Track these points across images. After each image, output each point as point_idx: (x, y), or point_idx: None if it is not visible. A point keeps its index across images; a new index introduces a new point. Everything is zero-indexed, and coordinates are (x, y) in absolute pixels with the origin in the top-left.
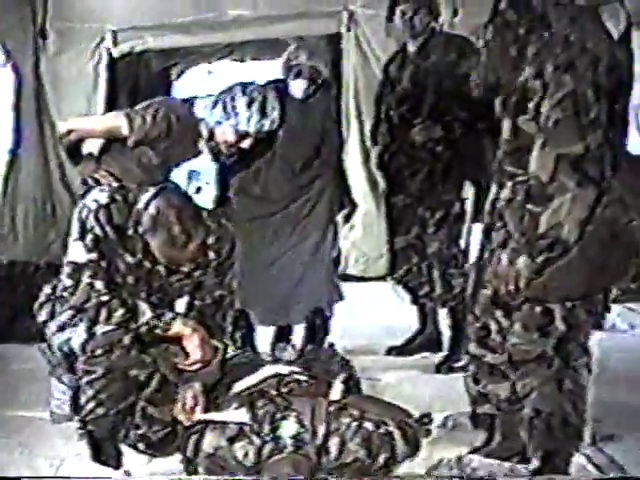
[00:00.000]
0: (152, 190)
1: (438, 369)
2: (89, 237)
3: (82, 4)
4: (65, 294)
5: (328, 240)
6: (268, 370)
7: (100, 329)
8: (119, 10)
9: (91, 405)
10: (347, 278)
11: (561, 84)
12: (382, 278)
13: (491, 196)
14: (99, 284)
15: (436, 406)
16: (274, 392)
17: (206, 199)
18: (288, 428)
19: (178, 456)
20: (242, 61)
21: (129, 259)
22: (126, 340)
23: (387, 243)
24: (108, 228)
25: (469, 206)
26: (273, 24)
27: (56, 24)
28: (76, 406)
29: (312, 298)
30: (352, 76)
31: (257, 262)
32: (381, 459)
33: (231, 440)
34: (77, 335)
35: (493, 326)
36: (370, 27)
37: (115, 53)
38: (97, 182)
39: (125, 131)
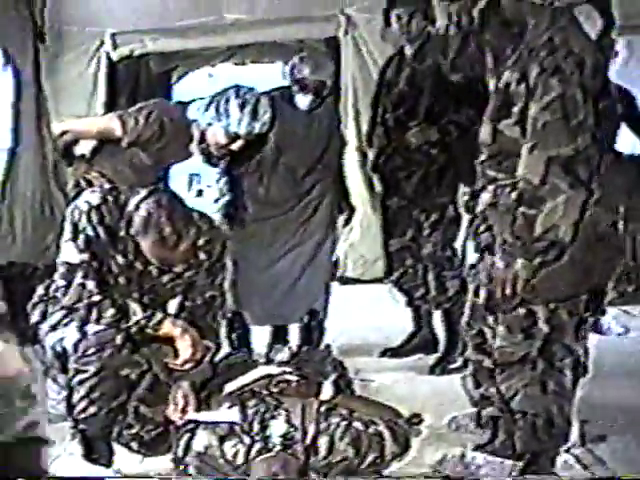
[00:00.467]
0: (143, 191)
1: (432, 370)
2: (81, 238)
3: (82, 7)
4: (58, 294)
5: (328, 243)
6: (260, 371)
7: (92, 329)
8: (118, 13)
9: (83, 404)
10: (346, 281)
11: (549, 87)
12: (379, 280)
13: (472, 199)
14: (91, 284)
15: (429, 407)
16: (265, 392)
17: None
18: (277, 427)
19: (170, 455)
20: (243, 64)
21: (121, 260)
22: (118, 340)
23: (382, 245)
24: (100, 229)
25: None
26: (271, 27)
27: (55, 27)
28: (69, 405)
29: (308, 299)
30: (350, 79)
31: (256, 264)
32: (370, 459)
33: (222, 439)
34: (69, 335)
35: (488, 333)
36: (367, 31)
37: (114, 56)
38: (89, 183)
39: (118, 133)
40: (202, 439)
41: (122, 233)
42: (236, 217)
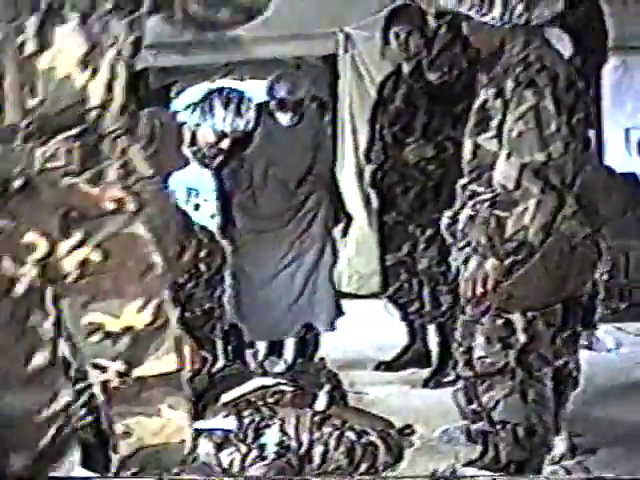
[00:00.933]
0: None
1: (426, 384)
2: None
3: None
4: None
5: (327, 255)
6: (255, 382)
7: None
8: None
9: (82, 412)
10: (341, 296)
11: (523, 99)
12: (375, 296)
13: (452, 216)
14: None
15: (422, 419)
16: (260, 402)
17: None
18: (272, 436)
19: None
20: (241, 80)
21: None
22: None
23: (378, 260)
24: None
25: None
26: (270, 44)
27: None
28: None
29: (306, 314)
30: (347, 96)
31: (256, 278)
32: (363, 468)
33: (218, 447)
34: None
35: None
36: (365, 48)
37: None
38: None
39: None
40: (199, 447)
41: None
42: (232, 231)
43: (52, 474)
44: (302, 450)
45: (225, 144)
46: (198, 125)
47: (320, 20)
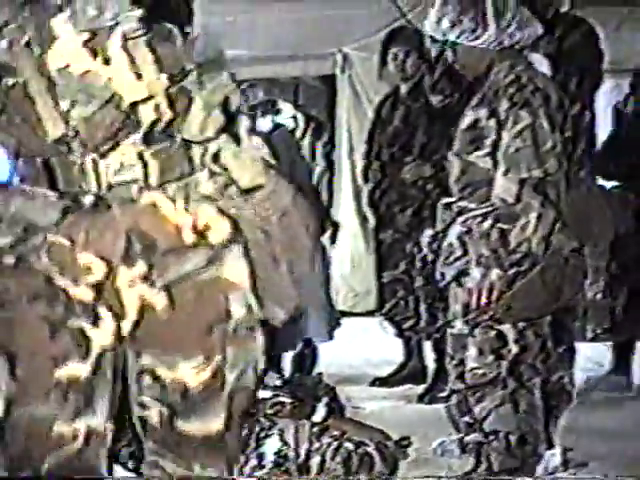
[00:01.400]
0: None
1: (421, 399)
2: None
3: None
4: None
5: (318, 268)
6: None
7: None
8: None
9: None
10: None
11: (519, 118)
12: (371, 313)
13: (433, 234)
14: None
15: (417, 432)
16: (259, 414)
17: None
18: (271, 445)
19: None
20: None
21: None
22: None
23: (375, 278)
24: None
25: None
26: (269, 64)
27: None
28: None
29: (304, 328)
30: (345, 116)
31: None
32: (359, 478)
33: None
34: None
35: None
36: (363, 69)
37: None
38: None
39: None
40: None
41: None
42: None
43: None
44: (300, 460)
45: None
46: None
47: (319, 40)
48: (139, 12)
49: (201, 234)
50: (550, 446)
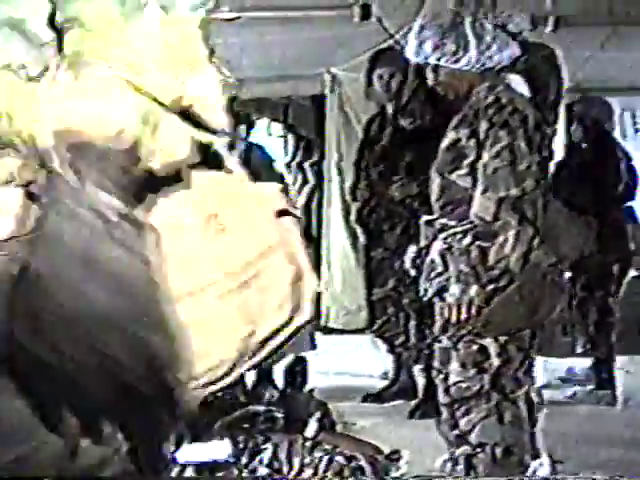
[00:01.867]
0: None
1: (412, 415)
2: None
3: None
4: None
5: None
6: (247, 410)
7: None
8: None
9: None
10: (329, 331)
11: (498, 139)
12: (362, 331)
13: (417, 251)
14: None
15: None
16: (253, 429)
17: None
18: (265, 459)
19: None
20: None
21: None
22: None
23: (365, 295)
24: None
25: None
26: (259, 84)
27: None
28: None
29: (294, 346)
30: (334, 135)
31: None
32: None
33: (211, 470)
34: None
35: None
36: (352, 89)
37: None
38: None
39: None
40: (192, 469)
41: None
42: None
43: None
44: (292, 473)
45: None
46: None
47: (308, 61)
48: None
49: None
50: (536, 456)
